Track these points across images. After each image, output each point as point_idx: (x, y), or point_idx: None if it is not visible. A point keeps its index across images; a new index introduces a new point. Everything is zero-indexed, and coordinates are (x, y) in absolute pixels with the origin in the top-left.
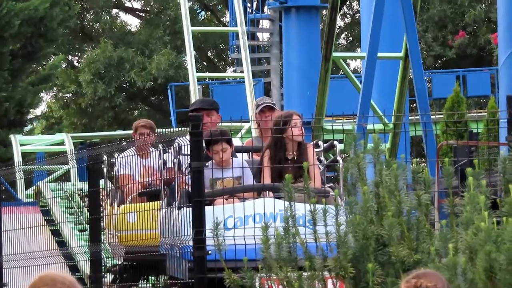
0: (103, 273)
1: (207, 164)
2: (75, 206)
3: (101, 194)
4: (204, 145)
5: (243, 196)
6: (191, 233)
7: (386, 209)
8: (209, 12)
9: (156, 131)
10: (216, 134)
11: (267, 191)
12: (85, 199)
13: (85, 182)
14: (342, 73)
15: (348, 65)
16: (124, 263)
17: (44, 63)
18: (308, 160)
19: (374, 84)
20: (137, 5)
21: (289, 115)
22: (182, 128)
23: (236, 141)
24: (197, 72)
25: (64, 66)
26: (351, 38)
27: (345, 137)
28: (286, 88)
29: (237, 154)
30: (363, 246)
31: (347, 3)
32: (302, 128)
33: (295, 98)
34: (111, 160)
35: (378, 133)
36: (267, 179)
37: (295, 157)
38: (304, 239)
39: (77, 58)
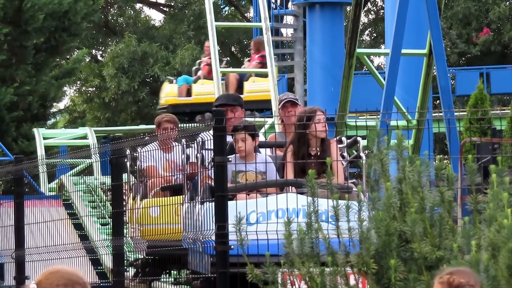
0: (125, 267)
1: (230, 158)
2: (97, 200)
3: (124, 188)
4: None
5: (266, 191)
6: (214, 228)
7: (409, 205)
8: (233, 8)
9: (179, 125)
10: (241, 126)
11: (290, 187)
12: (108, 193)
13: (108, 176)
14: (366, 69)
15: (371, 61)
16: (146, 257)
17: (68, 57)
18: (331, 156)
19: (397, 80)
20: (161, 0)
21: (313, 111)
22: (205, 123)
23: (259, 137)
24: (220, 67)
25: (87, 60)
26: (375, 35)
27: (368, 133)
28: (309, 84)
29: (261, 150)
30: (386, 242)
31: None
32: (326, 124)
33: (319, 94)
34: (134, 154)
35: (401, 129)
36: (290, 174)
37: (318, 153)
38: (327, 235)
39: (101, 52)
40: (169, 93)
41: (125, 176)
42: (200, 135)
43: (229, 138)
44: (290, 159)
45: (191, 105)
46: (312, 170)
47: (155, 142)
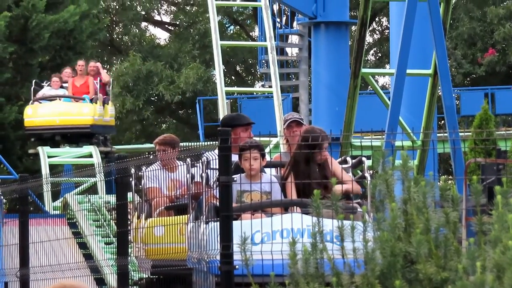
0: (129, 286)
1: (235, 178)
2: (102, 219)
3: (128, 207)
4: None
5: (271, 211)
6: (219, 248)
7: (414, 226)
8: (238, 27)
9: (176, 144)
10: (250, 143)
11: (295, 207)
12: (112, 212)
13: (112, 195)
14: (371, 89)
15: (376, 81)
16: (151, 276)
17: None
18: (333, 170)
19: (402, 100)
20: (167, 19)
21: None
22: (210, 142)
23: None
24: (225, 86)
25: None
26: (380, 54)
27: (373, 154)
28: (314, 104)
29: (266, 169)
30: (391, 263)
31: (376, 19)
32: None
33: (324, 113)
34: (139, 173)
35: (406, 150)
36: (292, 194)
37: (318, 170)
38: (332, 255)
39: (105, 70)
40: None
41: (129, 195)
42: (205, 154)
43: (234, 158)
44: (291, 178)
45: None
46: (318, 190)
47: (159, 162)
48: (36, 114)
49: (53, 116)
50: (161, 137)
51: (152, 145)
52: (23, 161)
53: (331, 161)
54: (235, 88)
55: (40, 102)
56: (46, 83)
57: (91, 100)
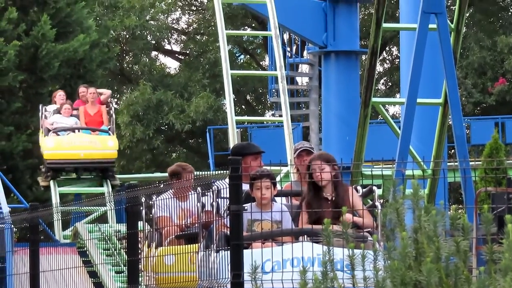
0: None
1: (246, 207)
2: (112, 248)
3: (139, 236)
4: (248, 187)
5: (282, 240)
6: (229, 276)
7: (425, 255)
8: (248, 56)
9: (193, 172)
10: (262, 172)
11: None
12: (123, 240)
13: (123, 223)
14: (381, 118)
15: (387, 110)
16: None
17: None
18: (349, 201)
19: (413, 129)
20: (177, 48)
21: (312, 159)
22: (221, 171)
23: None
24: (236, 115)
25: None
26: (390, 83)
27: (383, 182)
28: (324, 133)
29: (276, 199)
30: None
31: (387, 48)
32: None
33: (334, 143)
34: (149, 202)
35: (417, 178)
36: (305, 223)
37: (333, 198)
38: (342, 284)
39: (115, 100)
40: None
41: (140, 224)
42: (215, 183)
43: (245, 187)
44: (304, 207)
45: None
46: (328, 219)
47: (170, 191)
48: (59, 147)
49: (77, 150)
50: (178, 165)
51: (162, 174)
52: (33, 190)
53: (351, 193)
54: (246, 117)
55: (58, 134)
56: (52, 108)
57: (109, 130)
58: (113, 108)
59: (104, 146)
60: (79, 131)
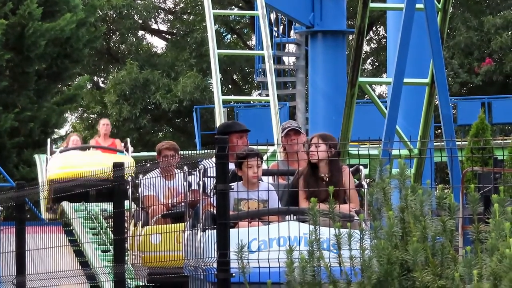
0: None
1: (232, 186)
2: (98, 227)
3: (125, 215)
4: (234, 166)
5: (268, 219)
6: (215, 255)
7: (411, 234)
8: (235, 35)
9: (179, 152)
10: (250, 151)
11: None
12: (109, 220)
13: (109, 203)
14: (368, 98)
15: (373, 90)
16: (148, 284)
17: (70, 83)
18: (344, 182)
19: (399, 109)
20: (164, 27)
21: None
22: (207, 151)
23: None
24: (222, 95)
25: (89, 86)
26: (377, 63)
27: (370, 162)
28: (311, 113)
29: (263, 178)
30: (388, 271)
31: (374, 28)
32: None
33: (320, 122)
34: (136, 181)
35: (403, 158)
36: (302, 202)
37: (327, 178)
38: (329, 263)
39: (102, 79)
40: None
41: (126, 203)
42: (202, 162)
43: (231, 166)
44: (302, 186)
45: None
46: (315, 198)
47: (156, 170)
48: (68, 165)
49: (90, 167)
50: (169, 142)
51: (148, 154)
52: (19, 169)
53: (348, 173)
54: (232, 97)
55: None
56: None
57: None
58: (128, 141)
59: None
60: (89, 149)
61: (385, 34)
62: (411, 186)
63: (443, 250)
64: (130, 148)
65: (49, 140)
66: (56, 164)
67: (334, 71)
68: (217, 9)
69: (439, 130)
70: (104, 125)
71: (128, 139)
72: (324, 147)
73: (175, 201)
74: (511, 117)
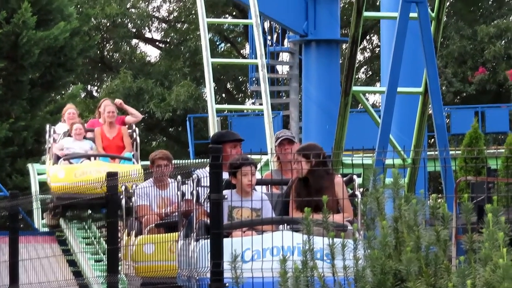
0: None
1: (226, 196)
2: (92, 237)
3: (118, 224)
4: (227, 174)
5: (262, 229)
6: (209, 265)
7: (405, 244)
8: (229, 44)
9: (173, 162)
10: (245, 159)
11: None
12: (102, 229)
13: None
14: (361, 107)
15: (367, 99)
16: None
17: (63, 92)
18: (337, 192)
19: (393, 118)
20: (157, 36)
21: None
22: (201, 160)
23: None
24: (216, 104)
25: (83, 95)
26: (370, 72)
27: (364, 171)
28: (305, 122)
29: (256, 187)
30: (381, 281)
31: (367, 37)
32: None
33: (314, 131)
34: (130, 190)
35: (397, 168)
36: (295, 212)
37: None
38: (322, 273)
39: (96, 88)
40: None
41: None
42: (195, 171)
43: (225, 175)
44: (294, 195)
45: None
46: (308, 208)
47: (150, 179)
48: (72, 177)
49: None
50: (162, 152)
51: (143, 163)
52: (12, 178)
53: (341, 182)
54: (226, 106)
55: (71, 162)
56: (62, 128)
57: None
58: (137, 130)
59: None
60: (95, 159)
61: (379, 43)
62: (405, 195)
63: (437, 260)
64: (138, 140)
65: (48, 126)
66: (58, 175)
67: (328, 80)
68: (211, 18)
69: (432, 139)
70: (109, 113)
71: (137, 130)
72: (304, 163)
73: (168, 210)
74: (505, 126)
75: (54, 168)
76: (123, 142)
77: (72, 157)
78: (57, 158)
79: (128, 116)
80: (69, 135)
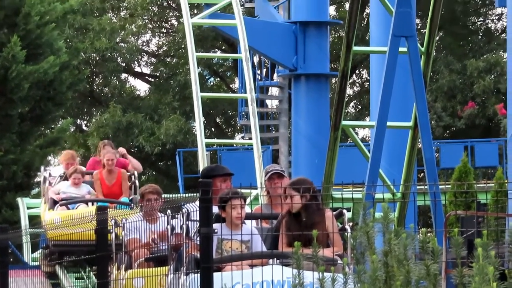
0: None
1: (216, 230)
2: (81, 270)
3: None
4: (216, 208)
5: (252, 263)
6: None
7: (395, 278)
8: (218, 78)
9: (162, 196)
10: (234, 193)
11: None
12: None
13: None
14: (351, 141)
15: (356, 133)
16: None
17: (53, 126)
18: (327, 226)
19: (383, 153)
20: (147, 70)
21: (295, 183)
22: (191, 194)
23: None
24: (205, 138)
25: (72, 129)
26: (360, 107)
27: (353, 206)
28: (294, 156)
29: (246, 221)
30: None
31: (357, 71)
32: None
33: (303, 165)
34: (119, 225)
35: (387, 202)
36: (284, 246)
37: (306, 222)
38: None
39: (85, 122)
40: None
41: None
42: (185, 205)
43: (215, 209)
44: (284, 229)
45: None
46: (298, 242)
47: (139, 213)
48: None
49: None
50: (152, 186)
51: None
52: (2, 212)
53: (331, 216)
54: (215, 140)
55: (68, 208)
56: (57, 171)
57: (131, 201)
58: (136, 174)
59: None
60: (93, 204)
61: (368, 77)
62: (395, 229)
63: None
64: (137, 183)
65: (42, 168)
66: (54, 221)
67: (317, 114)
68: (200, 52)
69: (422, 174)
70: (108, 161)
71: (136, 173)
72: (297, 197)
73: (155, 237)
74: (494, 161)
75: (50, 214)
76: (121, 189)
77: (69, 203)
78: (53, 202)
79: (130, 166)
80: (66, 179)
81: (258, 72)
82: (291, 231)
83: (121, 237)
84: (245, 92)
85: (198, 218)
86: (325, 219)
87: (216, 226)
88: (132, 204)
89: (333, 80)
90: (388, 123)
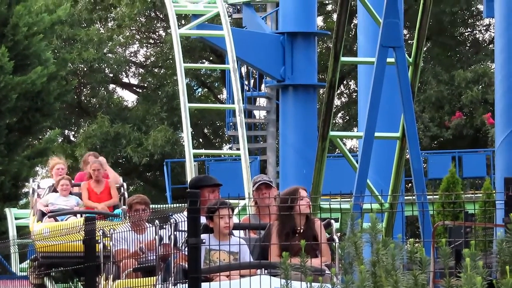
0: None
1: (204, 240)
2: (69, 281)
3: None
4: (204, 219)
5: (240, 273)
6: None
7: None
8: (206, 89)
9: (150, 206)
10: (222, 203)
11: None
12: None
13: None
14: (339, 151)
15: (344, 144)
16: None
17: (40, 137)
18: (317, 235)
19: (370, 163)
20: (135, 81)
21: (296, 190)
22: (179, 205)
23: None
24: (193, 148)
25: (60, 140)
26: (347, 117)
27: (341, 216)
28: (282, 166)
29: (234, 232)
30: None
31: (344, 82)
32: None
33: (291, 176)
34: (107, 235)
35: (375, 212)
36: (274, 254)
37: (302, 231)
38: None
39: (73, 132)
40: None
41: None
42: (173, 216)
43: (203, 220)
44: (275, 238)
45: None
46: (286, 253)
47: (127, 224)
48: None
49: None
50: (139, 196)
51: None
52: None
53: (319, 225)
54: (203, 151)
55: (57, 219)
56: (46, 183)
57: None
58: (125, 185)
59: None
60: (81, 216)
61: (356, 88)
62: (383, 240)
63: None
64: (126, 195)
65: (31, 180)
66: (44, 231)
67: (305, 125)
68: (188, 63)
69: (409, 184)
70: (94, 171)
71: (125, 184)
72: (308, 200)
73: (143, 246)
74: (482, 171)
75: (39, 226)
76: (110, 195)
77: (57, 214)
78: (42, 214)
79: (109, 177)
80: (55, 190)
81: (246, 82)
82: (282, 241)
83: (108, 248)
84: (233, 103)
85: (186, 229)
86: (317, 228)
87: (204, 237)
88: (121, 216)
89: (321, 91)
90: (376, 134)
